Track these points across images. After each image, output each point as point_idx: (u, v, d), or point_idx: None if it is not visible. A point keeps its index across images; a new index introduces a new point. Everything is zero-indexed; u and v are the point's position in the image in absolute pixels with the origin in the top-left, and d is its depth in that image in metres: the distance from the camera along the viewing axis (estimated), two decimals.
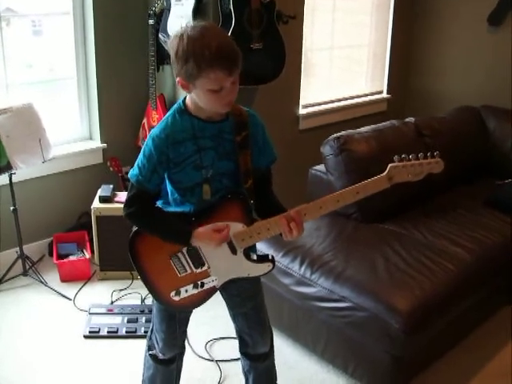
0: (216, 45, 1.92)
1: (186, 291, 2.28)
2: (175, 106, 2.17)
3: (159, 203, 2.28)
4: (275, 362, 2.67)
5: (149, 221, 2.20)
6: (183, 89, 2.05)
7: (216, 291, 2.34)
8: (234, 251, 2.22)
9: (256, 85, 4.13)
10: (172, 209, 2.25)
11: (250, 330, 2.47)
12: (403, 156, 2.11)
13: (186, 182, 2.16)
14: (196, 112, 2.12)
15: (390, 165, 2.11)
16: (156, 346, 2.49)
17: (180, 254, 2.23)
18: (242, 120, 2.17)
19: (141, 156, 2.15)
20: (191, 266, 2.25)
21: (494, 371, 3.22)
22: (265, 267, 2.29)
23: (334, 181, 3.64)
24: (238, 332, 2.54)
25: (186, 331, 2.53)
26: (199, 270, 2.26)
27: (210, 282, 2.28)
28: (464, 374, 3.19)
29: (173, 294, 2.28)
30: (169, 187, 2.23)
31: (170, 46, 2.00)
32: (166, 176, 2.17)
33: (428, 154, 2.13)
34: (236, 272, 2.28)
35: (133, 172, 2.16)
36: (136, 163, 2.16)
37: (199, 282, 2.28)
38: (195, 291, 2.29)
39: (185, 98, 2.15)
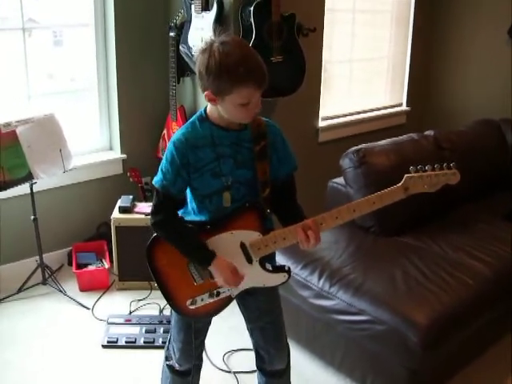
0: (249, 62, 1.99)
1: (202, 300, 2.28)
2: (197, 113, 2.20)
3: (180, 213, 2.29)
4: (293, 374, 2.64)
5: (174, 233, 2.22)
6: (210, 102, 2.09)
7: (232, 301, 2.34)
8: (249, 260, 2.23)
9: (276, 97, 4.14)
10: (190, 218, 2.26)
11: (267, 345, 2.46)
12: (419, 167, 2.12)
13: (204, 189, 2.18)
14: (216, 121, 2.15)
15: (405, 175, 2.12)
16: (173, 356, 2.50)
17: None
18: (261, 130, 2.20)
19: (163, 161, 2.18)
20: (207, 274, 2.25)
21: None
22: (280, 277, 2.29)
23: (353, 194, 3.62)
24: (254, 347, 2.54)
25: (203, 342, 2.52)
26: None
27: (225, 292, 2.29)
28: None
29: (189, 302, 2.28)
30: (188, 195, 2.25)
31: (199, 60, 2.04)
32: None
33: (444, 165, 2.13)
34: (251, 281, 2.28)
35: (157, 178, 2.19)
36: (159, 169, 2.19)
37: (215, 291, 2.28)
38: (211, 300, 2.29)
39: (206, 107, 2.18)
